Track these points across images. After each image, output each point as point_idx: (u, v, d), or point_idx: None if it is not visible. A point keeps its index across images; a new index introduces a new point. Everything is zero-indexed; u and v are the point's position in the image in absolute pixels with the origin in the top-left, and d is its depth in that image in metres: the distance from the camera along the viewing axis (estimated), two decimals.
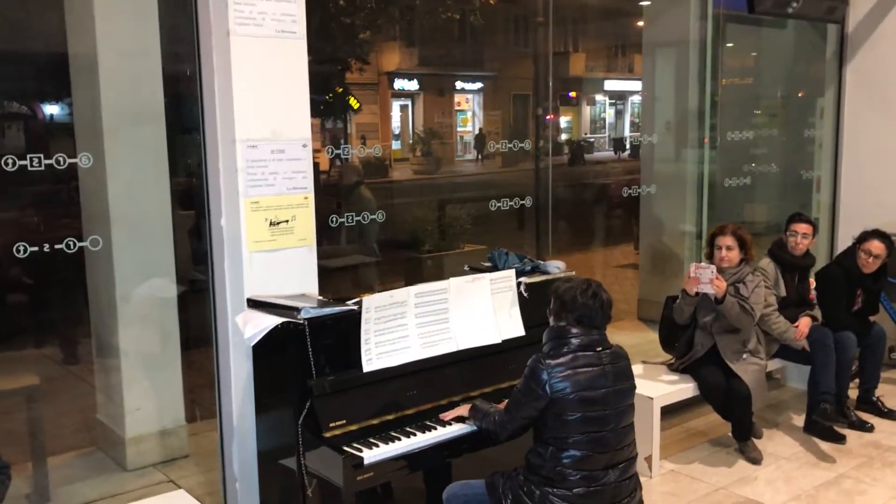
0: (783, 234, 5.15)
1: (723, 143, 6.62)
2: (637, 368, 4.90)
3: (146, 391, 4.55)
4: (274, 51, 3.42)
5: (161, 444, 4.63)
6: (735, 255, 4.63)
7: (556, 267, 3.98)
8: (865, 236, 5.23)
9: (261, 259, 3.47)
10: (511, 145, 5.53)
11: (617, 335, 3.30)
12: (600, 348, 3.01)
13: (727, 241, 4.63)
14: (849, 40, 6.47)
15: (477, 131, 21.13)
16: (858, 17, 6.39)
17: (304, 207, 3.56)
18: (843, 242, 5.99)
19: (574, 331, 2.99)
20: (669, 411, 5.08)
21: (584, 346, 2.98)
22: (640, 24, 7.51)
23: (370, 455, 3.05)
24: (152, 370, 4.56)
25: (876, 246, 5.15)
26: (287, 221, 3.51)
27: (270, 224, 3.47)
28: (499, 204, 5.24)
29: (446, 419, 3.31)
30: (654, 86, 7.17)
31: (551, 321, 3.11)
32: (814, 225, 5.17)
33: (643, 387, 4.55)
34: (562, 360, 2.93)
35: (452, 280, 3.61)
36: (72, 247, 3.39)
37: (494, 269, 3.95)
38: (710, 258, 4.73)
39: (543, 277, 3.91)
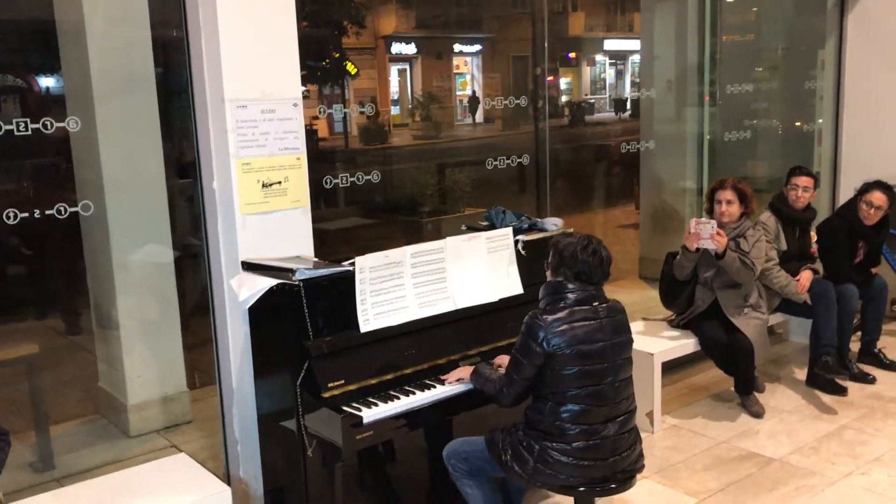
0: (784, 188, 5.10)
1: (723, 98, 6.55)
2: (638, 325, 4.90)
3: (146, 358, 4.55)
4: (262, 9, 3.36)
5: (163, 410, 4.65)
6: (735, 209, 4.58)
7: (553, 224, 3.94)
8: (867, 187, 5.17)
9: (254, 221, 3.44)
10: (507, 102, 5.46)
11: (618, 293, 3.29)
12: (597, 303, 2.99)
13: (727, 195, 4.58)
14: None
15: (471, 94, 20.92)
16: None
17: (297, 168, 3.52)
18: (845, 195, 5.93)
19: (571, 286, 2.98)
20: (671, 367, 5.08)
21: (581, 301, 2.96)
22: None
23: (369, 414, 3.05)
24: (152, 337, 4.57)
25: (878, 197, 5.10)
26: (280, 183, 3.47)
27: (263, 186, 3.44)
28: (496, 163, 5.18)
29: (448, 381, 3.30)
30: (654, 42, 7.06)
31: (549, 275, 3.09)
32: (815, 178, 5.11)
33: (644, 343, 4.56)
34: (559, 315, 2.91)
35: (449, 239, 3.58)
36: (63, 212, 3.36)
37: (492, 227, 3.91)
38: (711, 213, 4.69)
39: (541, 235, 3.88)
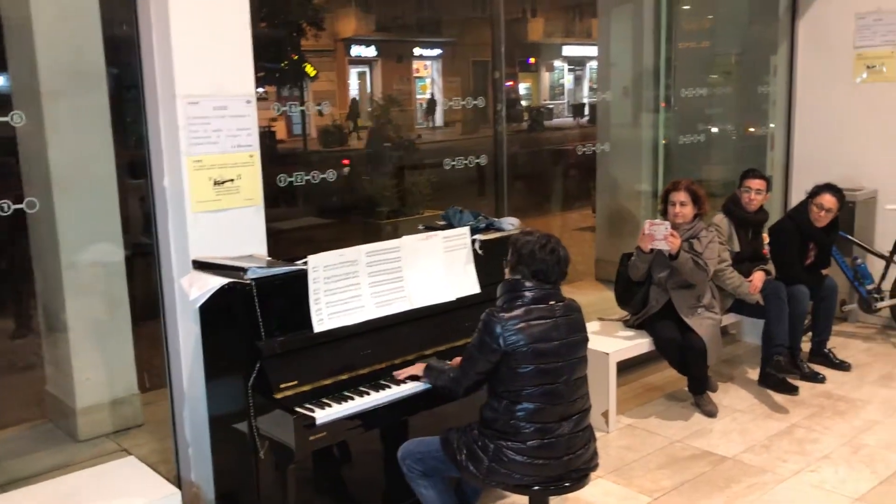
0: (737, 190, 5.17)
1: (678, 103, 6.63)
2: (593, 325, 4.92)
3: (96, 360, 4.44)
4: (215, 4, 3.31)
5: (113, 413, 4.54)
6: (689, 210, 4.63)
7: (510, 224, 3.94)
8: (818, 190, 5.27)
9: (206, 220, 3.38)
10: (464, 103, 5.46)
11: (574, 295, 3.30)
12: (553, 301, 2.99)
13: (681, 196, 4.63)
14: None
15: (429, 97, 20.90)
16: None
17: (250, 166, 3.47)
18: (797, 198, 6.04)
19: (528, 284, 2.98)
20: (626, 367, 5.12)
21: (538, 300, 2.96)
22: None
23: (322, 415, 3.01)
24: (102, 338, 4.46)
25: (828, 200, 5.20)
26: (232, 180, 3.42)
27: (215, 183, 3.38)
28: (454, 163, 5.19)
29: (400, 378, 3.28)
30: (610, 48, 7.12)
31: (507, 273, 3.09)
32: (767, 180, 5.19)
33: (599, 343, 4.58)
34: (515, 312, 2.91)
35: (405, 238, 3.56)
36: (6, 209, 3.26)
37: (450, 227, 3.90)
38: (665, 215, 4.73)
39: (498, 234, 3.87)
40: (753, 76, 7.07)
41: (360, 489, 3.63)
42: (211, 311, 3.29)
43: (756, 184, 5.07)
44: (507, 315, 2.90)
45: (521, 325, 2.88)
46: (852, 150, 6.24)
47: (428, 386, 3.22)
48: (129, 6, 3.31)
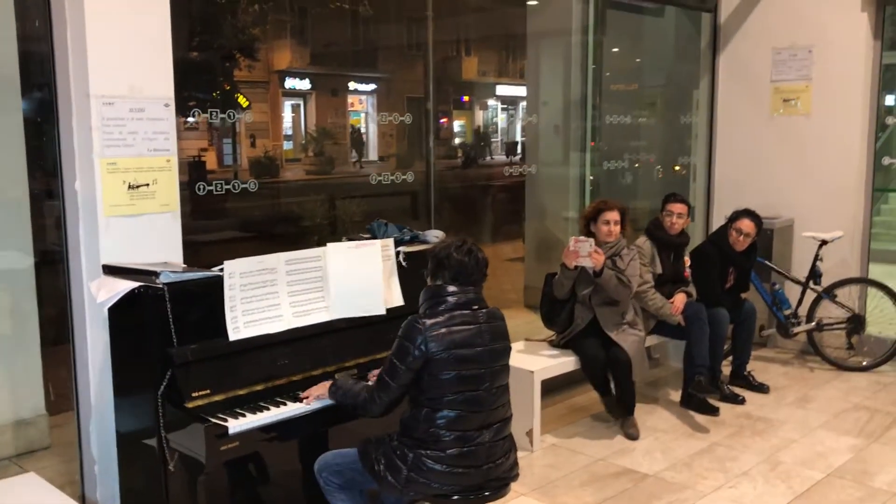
0: (660, 214, 5.26)
1: (604, 136, 6.73)
2: (519, 345, 4.92)
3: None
4: (133, 4, 3.23)
5: (17, 435, 4.31)
6: (618, 229, 4.70)
7: (434, 236, 3.92)
8: (737, 215, 5.41)
9: (119, 224, 3.27)
10: (394, 120, 5.45)
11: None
12: (477, 307, 2.97)
13: (615, 215, 4.69)
14: (721, 30, 6.71)
15: (353, 131, 20.88)
16: (730, 7, 6.63)
17: (167, 171, 3.38)
18: (718, 225, 6.18)
19: (450, 289, 2.94)
20: (552, 389, 5.12)
21: (461, 305, 2.93)
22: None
23: (235, 424, 2.90)
24: (6, 354, 4.24)
25: (746, 224, 5.34)
26: (148, 185, 3.32)
27: (129, 187, 3.28)
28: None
29: (306, 399, 3.13)
30: (539, 83, 7.21)
31: (428, 282, 3.05)
32: (689, 205, 5.30)
33: (524, 361, 4.57)
34: (438, 318, 2.87)
35: (331, 246, 3.49)
36: None
37: (373, 239, 3.85)
38: (588, 233, 4.78)
39: (423, 247, 3.84)
40: (677, 109, 7.27)
41: None
42: (121, 319, 3.16)
43: (678, 208, 5.17)
44: (429, 321, 2.85)
45: (443, 330, 2.84)
46: (770, 179, 6.45)
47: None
48: (43, 3, 3.21)
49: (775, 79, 6.40)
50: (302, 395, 3.17)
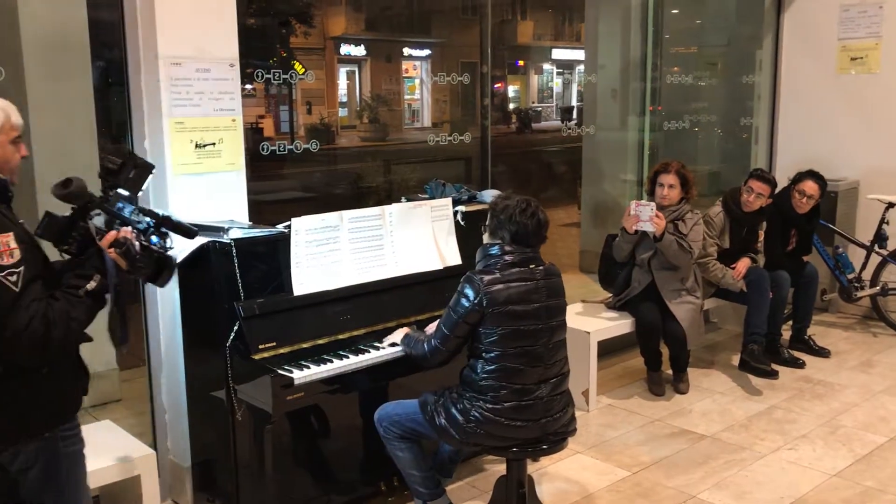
0: (742, 186, 5.09)
1: (663, 98, 6.63)
2: (576, 307, 4.93)
3: None
4: None
5: (91, 387, 4.47)
6: (676, 193, 4.64)
7: (492, 196, 3.91)
8: (800, 177, 5.30)
9: (186, 183, 3.36)
10: (451, 80, 5.46)
11: None
12: (533, 265, 2.99)
13: (670, 179, 4.63)
14: None
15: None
16: None
17: (232, 130, 3.46)
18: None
19: (508, 248, 2.97)
20: (608, 350, 5.13)
21: (517, 263, 2.96)
22: None
23: (300, 376, 2.99)
24: None
25: (810, 186, 5.23)
26: (214, 144, 3.40)
27: (196, 146, 3.36)
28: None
29: (385, 342, 3.27)
30: (598, 46, 7.10)
31: (486, 238, 3.08)
32: (772, 185, 5.04)
33: (581, 323, 4.59)
34: (495, 275, 2.90)
35: (392, 206, 3.55)
36: None
37: (432, 199, 3.90)
38: (652, 196, 4.74)
39: (480, 206, 3.87)
40: (739, 70, 7.11)
41: (339, 462, 3.60)
42: (190, 274, 3.26)
43: (758, 187, 4.97)
44: (486, 277, 2.89)
45: (500, 286, 2.88)
46: (835, 140, 6.28)
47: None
48: None
49: (842, 36, 6.21)
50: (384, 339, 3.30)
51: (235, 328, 3.06)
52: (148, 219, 2.31)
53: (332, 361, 3.13)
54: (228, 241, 3.07)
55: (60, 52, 3.95)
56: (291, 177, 6.57)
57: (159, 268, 2.32)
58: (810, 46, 6.41)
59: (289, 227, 3.23)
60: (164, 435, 3.63)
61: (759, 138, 6.93)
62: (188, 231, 2.42)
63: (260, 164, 4.43)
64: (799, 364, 5.19)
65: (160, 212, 2.37)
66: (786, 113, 6.66)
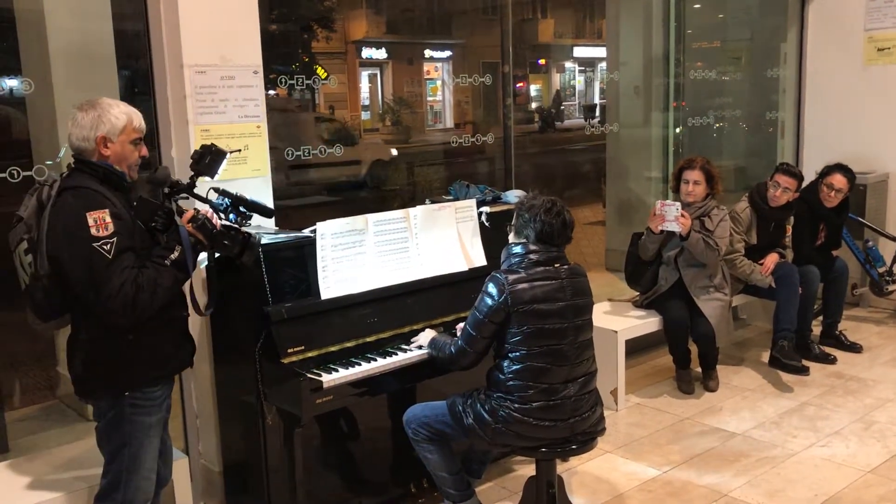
0: (768, 181, 5.06)
1: (687, 94, 6.59)
2: (603, 305, 4.92)
3: None
4: None
5: None
6: (702, 190, 4.61)
7: (516, 196, 3.93)
8: (828, 170, 5.24)
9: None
10: (472, 81, 5.46)
11: None
12: (558, 264, 2.99)
13: (695, 175, 4.60)
14: None
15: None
16: None
17: (257, 137, 3.49)
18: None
19: (533, 247, 2.97)
20: (636, 349, 5.11)
21: (543, 262, 2.96)
22: None
23: (329, 379, 3.01)
24: None
25: (838, 180, 5.17)
26: (240, 151, 3.43)
27: None
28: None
29: (413, 343, 3.29)
30: (620, 42, 7.07)
31: (511, 237, 3.08)
32: (799, 180, 5.00)
33: (608, 322, 4.58)
34: (520, 274, 2.90)
35: (417, 208, 3.56)
36: (15, 176, 3.28)
37: (456, 201, 3.90)
38: (676, 192, 4.71)
39: (505, 207, 3.87)
40: (763, 63, 7.04)
41: (369, 465, 3.63)
42: (218, 279, 3.29)
43: (785, 181, 4.93)
44: (511, 276, 2.90)
45: (525, 285, 2.88)
46: (864, 133, 6.20)
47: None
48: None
49: (869, 27, 6.13)
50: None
51: (264, 333, 3.09)
52: (227, 200, 2.76)
53: (359, 364, 3.14)
54: None
55: (87, 62, 4.01)
56: (315, 181, 6.63)
57: (243, 247, 2.71)
58: (836, 38, 6.34)
59: (314, 231, 3.25)
60: (196, 439, 3.67)
61: (786, 132, 6.86)
62: (264, 210, 2.84)
63: (285, 169, 4.46)
64: (830, 360, 5.13)
65: (235, 192, 2.79)
66: (812, 106, 6.59)
